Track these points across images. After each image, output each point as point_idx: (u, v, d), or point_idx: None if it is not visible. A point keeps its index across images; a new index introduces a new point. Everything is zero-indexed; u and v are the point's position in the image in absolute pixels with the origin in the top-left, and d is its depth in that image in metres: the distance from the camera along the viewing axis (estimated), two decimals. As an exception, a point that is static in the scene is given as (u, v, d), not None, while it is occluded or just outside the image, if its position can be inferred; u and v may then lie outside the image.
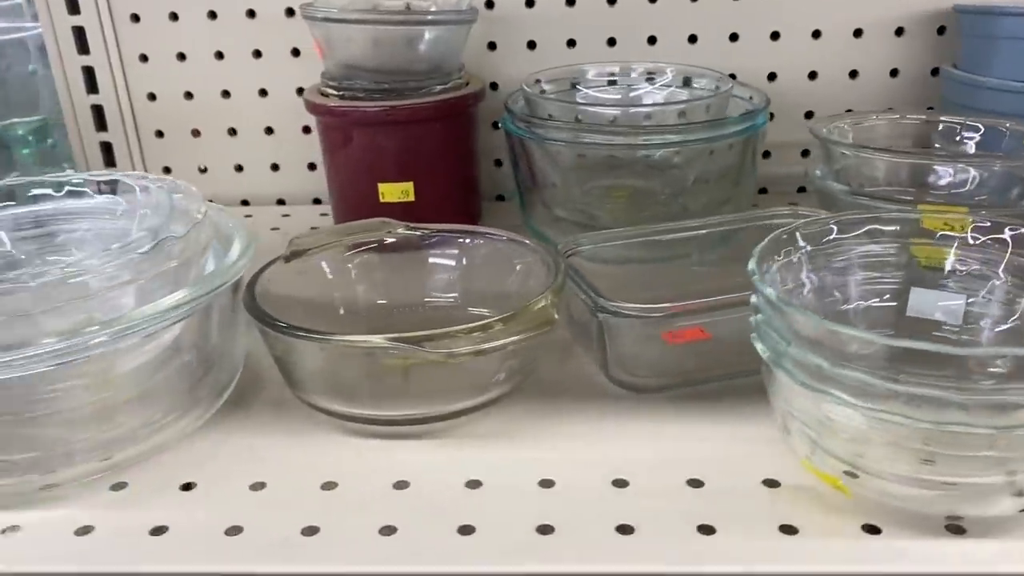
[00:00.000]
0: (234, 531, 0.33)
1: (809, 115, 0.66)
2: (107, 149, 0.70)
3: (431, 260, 0.47)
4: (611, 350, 0.40)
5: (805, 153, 0.68)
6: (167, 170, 0.70)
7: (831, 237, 0.38)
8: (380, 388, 0.38)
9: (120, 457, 0.37)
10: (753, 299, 0.35)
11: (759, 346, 0.34)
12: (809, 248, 0.37)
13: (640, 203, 0.59)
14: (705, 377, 0.41)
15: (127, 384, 0.38)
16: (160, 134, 0.69)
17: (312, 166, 0.69)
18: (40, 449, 0.36)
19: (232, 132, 0.69)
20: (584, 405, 0.41)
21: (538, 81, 0.61)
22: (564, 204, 0.59)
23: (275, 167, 0.70)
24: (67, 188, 0.44)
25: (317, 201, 0.70)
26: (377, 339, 0.35)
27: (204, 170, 0.70)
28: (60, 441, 0.36)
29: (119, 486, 0.36)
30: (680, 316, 0.39)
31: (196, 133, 0.69)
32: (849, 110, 0.65)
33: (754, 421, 0.38)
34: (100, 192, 0.44)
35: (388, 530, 0.33)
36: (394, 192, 0.57)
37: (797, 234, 0.37)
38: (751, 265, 0.34)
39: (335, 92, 0.57)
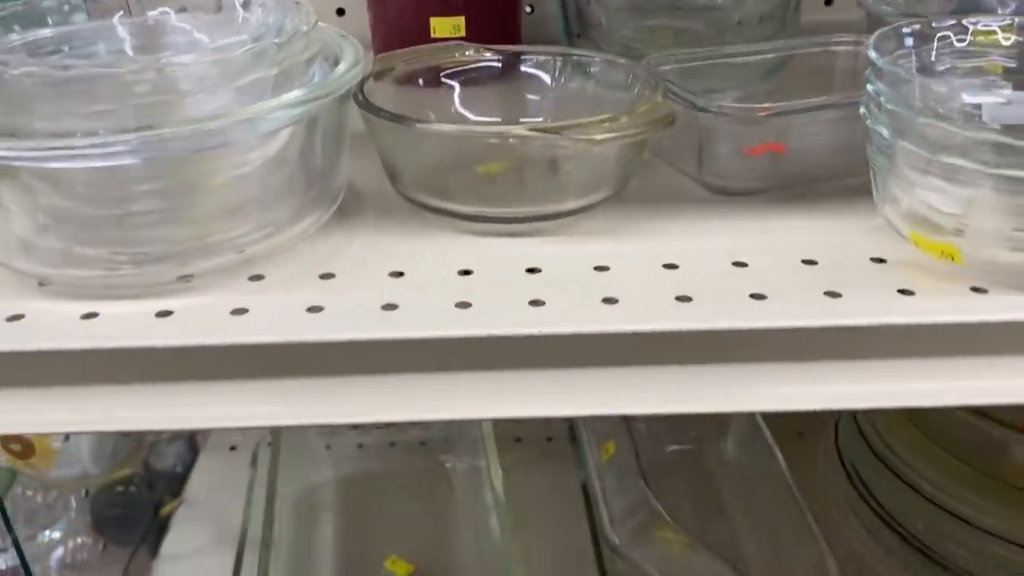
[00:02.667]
0: (390, 307, 0.35)
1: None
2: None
3: (517, 81, 0.48)
4: (707, 153, 0.43)
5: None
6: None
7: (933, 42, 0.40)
8: (496, 186, 0.40)
9: (251, 252, 0.37)
10: (869, 87, 0.37)
11: (878, 126, 0.36)
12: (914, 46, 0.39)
13: (685, 43, 0.60)
14: (800, 180, 0.43)
15: (243, 187, 0.39)
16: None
17: (341, 11, 0.68)
18: (171, 243, 0.36)
19: (260, -23, 0.67)
20: (684, 208, 0.43)
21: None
22: (611, 44, 0.60)
23: (304, 14, 0.68)
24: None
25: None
26: (519, 129, 0.36)
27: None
28: (189, 237, 0.37)
29: (257, 278, 0.37)
30: (781, 116, 0.41)
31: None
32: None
33: (851, 216, 0.41)
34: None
35: (536, 303, 0.35)
36: (445, 27, 0.58)
37: (902, 31, 0.39)
38: (871, 51, 0.36)
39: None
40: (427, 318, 0.34)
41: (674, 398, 0.34)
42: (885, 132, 0.36)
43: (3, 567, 0.93)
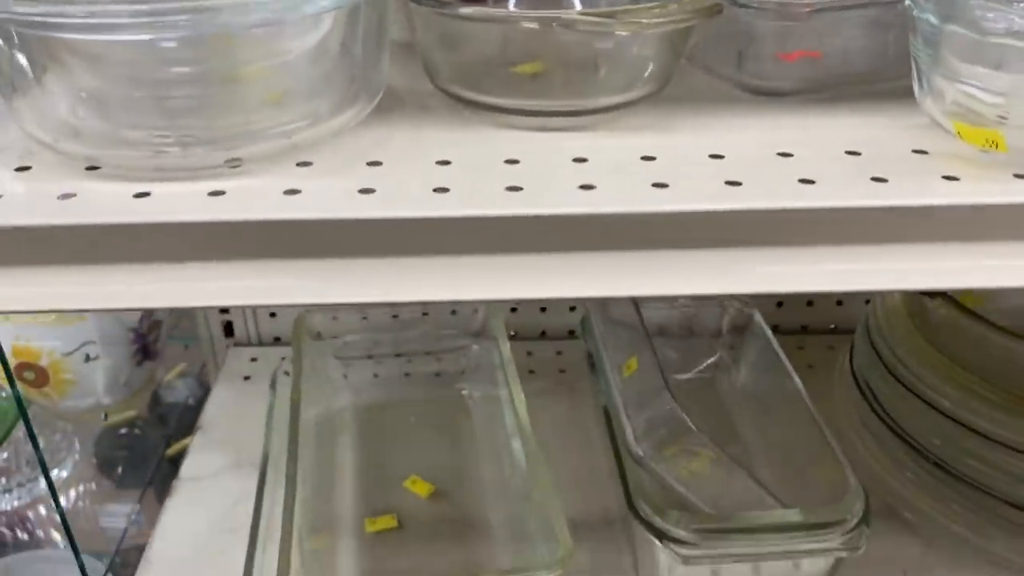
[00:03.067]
0: (441, 190, 0.35)
1: None
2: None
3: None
4: (746, 53, 0.43)
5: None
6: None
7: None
8: (537, 82, 0.40)
9: (297, 139, 0.37)
10: (916, -25, 0.37)
11: (925, 14, 0.36)
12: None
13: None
14: (837, 81, 0.44)
15: (284, 75, 0.39)
16: None
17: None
18: (215, 128, 0.37)
19: None
20: (722, 107, 0.43)
21: None
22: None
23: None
24: None
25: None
26: (567, 13, 0.36)
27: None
28: (233, 123, 0.37)
29: (304, 164, 0.37)
30: (822, 12, 0.41)
31: None
32: None
33: (888, 115, 0.42)
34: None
35: (587, 187, 0.35)
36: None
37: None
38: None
39: None
40: (479, 199, 0.34)
41: (729, 279, 0.35)
42: (932, 19, 0.36)
43: (12, 505, 0.93)
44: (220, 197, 0.34)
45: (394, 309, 0.77)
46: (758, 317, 0.70)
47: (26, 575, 0.90)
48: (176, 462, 0.88)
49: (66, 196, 0.34)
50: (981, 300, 0.60)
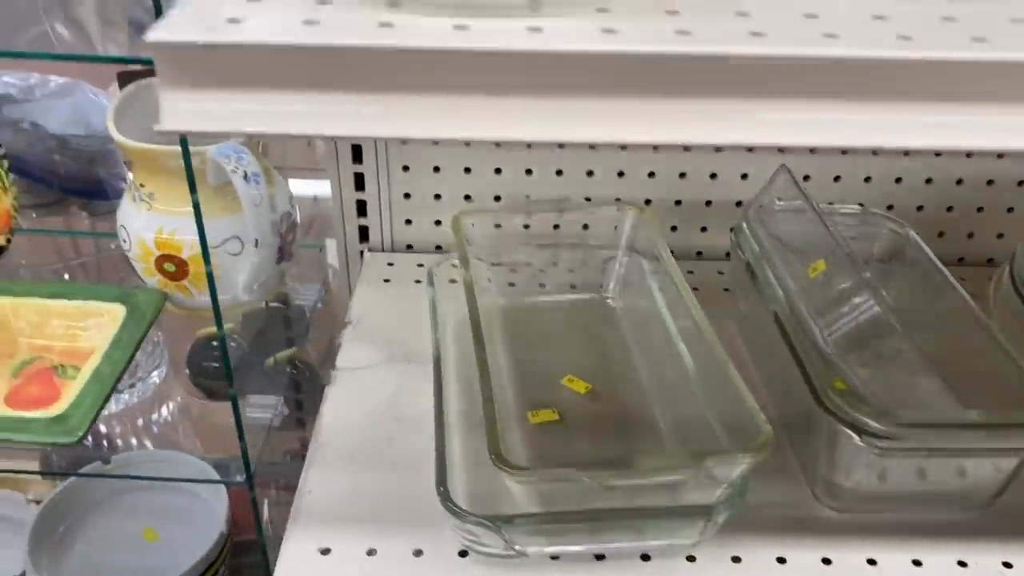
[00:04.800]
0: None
1: None
2: None
3: None
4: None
5: None
6: None
7: None
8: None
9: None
10: None
11: None
12: None
13: None
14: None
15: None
16: None
17: None
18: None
19: None
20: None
21: None
22: None
23: None
24: None
25: None
26: None
27: None
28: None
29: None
30: None
31: None
32: None
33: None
34: None
35: (682, 32, 0.35)
36: None
37: None
38: None
39: None
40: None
41: (852, 131, 0.35)
42: None
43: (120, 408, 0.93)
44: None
45: (528, 217, 0.76)
46: (914, 235, 0.70)
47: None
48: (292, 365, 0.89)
49: (384, 25, 0.34)
50: None
